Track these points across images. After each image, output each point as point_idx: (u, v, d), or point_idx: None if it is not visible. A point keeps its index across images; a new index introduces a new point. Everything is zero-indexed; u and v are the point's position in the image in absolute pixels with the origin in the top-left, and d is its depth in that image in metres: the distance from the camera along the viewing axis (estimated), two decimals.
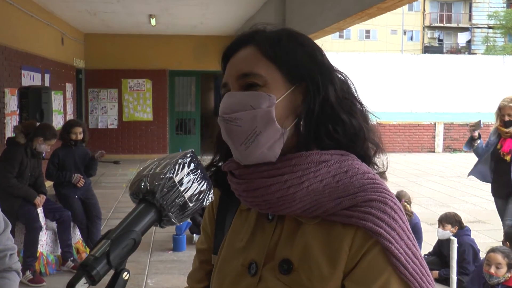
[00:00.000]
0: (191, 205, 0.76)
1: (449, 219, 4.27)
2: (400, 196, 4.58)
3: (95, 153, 4.73)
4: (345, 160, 0.80)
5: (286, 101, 0.81)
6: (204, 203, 0.78)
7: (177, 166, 0.76)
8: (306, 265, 0.77)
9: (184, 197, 0.75)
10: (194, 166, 0.78)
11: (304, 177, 0.77)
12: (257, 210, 0.84)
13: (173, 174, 0.75)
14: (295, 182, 0.77)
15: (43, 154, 4.59)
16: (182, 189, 0.75)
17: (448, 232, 4.22)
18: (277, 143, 0.79)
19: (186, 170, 0.76)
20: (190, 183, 0.76)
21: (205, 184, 0.78)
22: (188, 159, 0.77)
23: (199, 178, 0.77)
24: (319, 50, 0.85)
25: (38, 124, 4.54)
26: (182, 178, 0.75)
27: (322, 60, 0.84)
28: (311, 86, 0.81)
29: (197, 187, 0.77)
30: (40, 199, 4.19)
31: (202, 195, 0.77)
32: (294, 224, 0.81)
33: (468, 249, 4.15)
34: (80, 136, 4.58)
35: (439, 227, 4.30)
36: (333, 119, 0.81)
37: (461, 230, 4.28)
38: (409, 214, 4.42)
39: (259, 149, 0.78)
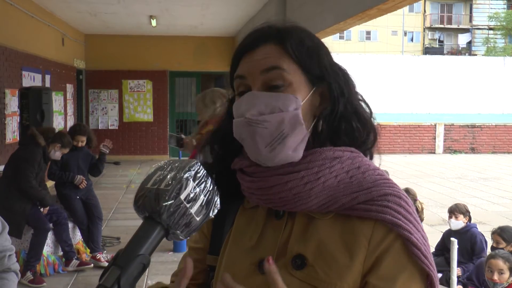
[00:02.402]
0: (198, 219, 0.75)
1: (461, 209, 4.23)
2: (409, 194, 4.59)
3: (102, 147, 4.75)
4: (356, 157, 0.81)
5: (307, 102, 0.81)
6: (211, 214, 0.77)
7: (183, 181, 0.74)
8: (322, 259, 0.77)
9: (191, 214, 0.74)
10: (200, 177, 0.76)
11: (320, 173, 0.78)
12: (270, 207, 0.83)
13: (179, 191, 0.73)
14: (312, 178, 0.78)
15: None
16: (188, 205, 0.73)
17: (461, 222, 4.18)
18: (301, 144, 0.80)
19: (191, 185, 0.74)
20: (196, 197, 0.74)
21: (211, 193, 0.77)
22: (193, 172, 0.76)
23: (204, 190, 0.76)
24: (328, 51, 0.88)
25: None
26: (188, 195, 0.73)
27: (336, 62, 0.86)
28: (335, 88, 0.82)
29: (204, 199, 0.75)
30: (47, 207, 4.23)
31: (209, 205, 0.76)
32: (305, 219, 0.81)
33: (481, 239, 4.12)
34: (82, 144, 4.63)
35: (450, 218, 4.24)
36: (355, 118, 0.83)
37: (471, 223, 4.26)
38: (421, 217, 4.45)
39: (285, 151, 0.78)
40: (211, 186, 0.77)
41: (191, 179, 0.74)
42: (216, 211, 0.77)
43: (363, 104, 0.87)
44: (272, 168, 0.80)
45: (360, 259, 0.76)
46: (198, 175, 0.76)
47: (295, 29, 0.86)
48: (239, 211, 0.90)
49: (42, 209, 4.20)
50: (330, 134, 0.82)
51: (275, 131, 0.78)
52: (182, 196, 0.73)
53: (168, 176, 0.74)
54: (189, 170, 0.75)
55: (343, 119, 0.82)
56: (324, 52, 0.84)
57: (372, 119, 0.87)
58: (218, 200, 0.78)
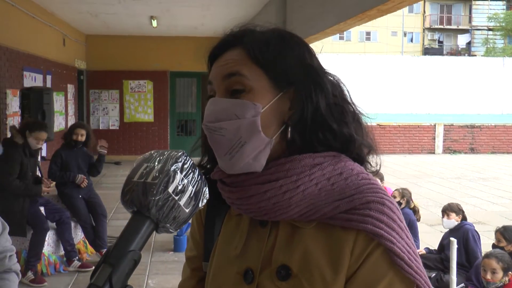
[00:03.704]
0: (187, 211, 0.73)
1: (453, 208, 4.24)
2: (404, 193, 4.61)
3: (99, 149, 4.77)
4: (338, 162, 0.78)
5: (272, 108, 0.78)
6: (200, 205, 0.75)
7: (170, 174, 0.71)
8: (307, 270, 0.76)
9: (180, 206, 0.72)
10: (187, 168, 0.74)
11: (299, 181, 0.75)
12: (251, 216, 0.81)
13: (167, 184, 0.71)
14: (291, 186, 0.75)
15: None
16: (177, 198, 0.72)
17: (453, 221, 4.19)
18: (262, 153, 0.77)
19: (179, 176, 0.72)
20: (184, 188, 0.73)
21: (199, 183, 0.75)
22: (180, 163, 0.73)
23: (192, 180, 0.74)
24: (309, 52, 0.82)
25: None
26: (176, 187, 0.71)
27: (312, 63, 0.81)
28: (302, 93, 0.78)
29: (192, 190, 0.73)
30: (47, 183, 4.17)
31: (197, 196, 0.74)
32: (289, 229, 0.79)
33: (473, 235, 4.11)
34: (82, 138, 4.61)
35: (443, 217, 4.26)
36: (323, 127, 0.78)
37: (466, 221, 4.26)
38: (416, 211, 4.47)
39: (244, 159, 0.76)
40: (199, 176, 0.75)
41: (178, 171, 0.72)
42: (205, 201, 0.76)
43: (350, 112, 0.82)
44: (251, 177, 0.78)
45: (344, 270, 0.75)
46: (185, 166, 0.74)
47: (261, 31, 0.83)
48: (225, 218, 0.88)
49: (44, 191, 4.20)
50: (304, 143, 0.78)
51: (232, 139, 0.76)
52: (170, 189, 0.71)
53: (155, 169, 0.72)
54: (176, 161, 0.73)
55: (313, 128, 0.78)
56: (295, 54, 0.80)
57: (360, 127, 0.83)
58: (207, 189, 0.76)
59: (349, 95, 0.84)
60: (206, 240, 0.91)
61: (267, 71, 0.78)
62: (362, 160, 0.84)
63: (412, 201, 4.64)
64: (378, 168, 0.86)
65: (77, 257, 4.47)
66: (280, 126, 0.79)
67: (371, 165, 0.85)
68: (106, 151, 4.82)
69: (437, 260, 4.27)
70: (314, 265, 0.76)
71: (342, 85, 0.84)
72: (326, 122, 0.78)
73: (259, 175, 0.77)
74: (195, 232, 0.95)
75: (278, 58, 0.79)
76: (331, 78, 0.83)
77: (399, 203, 4.47)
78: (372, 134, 0.86)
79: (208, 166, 0.89)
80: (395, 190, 4.67)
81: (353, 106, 0.84)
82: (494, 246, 3.88)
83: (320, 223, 0.78)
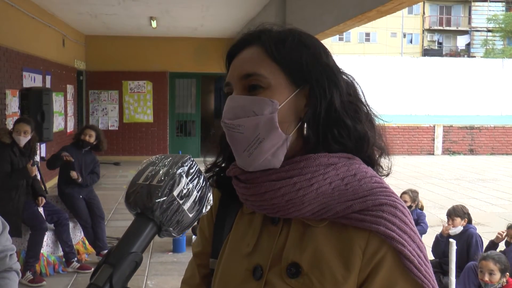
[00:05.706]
0: (190, 216, 0.73)
1: (457, 212, 4.16)
2: (414, 196, 4.60)
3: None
4: (352, 164, 0.80)
5: (289, 105, 0.79)
6: (204, 211, 0.75)
7: (176, 177, 0.72)
8: (317, 268, 0.76)
9: (184, 210, 0.72)
10: (193, 173, 0.74)
11: (313, 179, 0.77)
12: (264, 214, 0.82)
13: (172, 188, 0.71)
14: (305, 184, 0.76)
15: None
16: (181, 202, 0.72)
17: (459, 227, 4.13)
18: (280, 149, 0.78)
19: (184, 180, 0.72)
20: (189, 193, 0.73)
21: (204, 189, 0.75)
22: (186, 168, 0.74)
23: (197, 185, 0.74)
24: (324, 52, 0.84)
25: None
26: (181, 191, 0.72)
27: (328, 62, 0.82)
28: (317, 89, 0.79)
29: (197, 195, 0.73)
30: (41, 199, 4.21)
31: (202, 201, 0.74)
32: (301, 227, 0.80)
33: (476, 240, 4.05)
34: (90, 139, 4.62)
35: (448, 222, 4.20)
36: (338, 123, 0.80)
37: (470, 225, 4.19)
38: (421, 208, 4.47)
39: (262, 156, 0.78)
40: (204, 182, 0.75)
41: (184, 175, 0.72)
42: (209, 207, 0.76)
43: (364, 112, 0.83)
44: (265, 173, 0.79)
45: (355, 271, 0.75)
46: (191, 170, 0.74)
47: (278, 30, 0.84)
48: (237, 216, 0.89)
49: (40, 208, 4.20)
50: (319, 140, 0.79)
51: (251, 136, 0.77)
52: (175, 193, 0.71)
53: (161, 172, 0.72)
54: (182, 165, 0.73)
55: (327, 124, 0.79)
56: (311, 52, 0.81)
57: (373, 127, 0.84)
58: (211, 195, 0.76)
59: (364, 96, 0.86)
60: (214, 238, 0.92)
61: (284, 68, 0.80)
62: (373, 163, 0.85)
63: (419, 201, 4.64)
64: (389, 172, 0.88)
65: (75, 258, 4.46)
66: (297, 123, 0.80)
67: (383, 168, 0.87)
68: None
69: (435, 263, 4.26)
70: (325, 264, 0.76)
71: (356, 85, 0.86)
72: (341, 118, 0.79)
73: (274, 172, 0.79)
74: (204, 228, 0.96)
75: (294, 55, 0.80)
76: (346, 78, 0.85)
77: (409, 207, 4.44)
78: (385, 136, 0.87)
79: (223, 165, 0.90)
80: (405, 193, 4.64)
81: (367, 107, 0.85)
82: (507, 243, 3.89)
83: (332, 222, 0.78)
